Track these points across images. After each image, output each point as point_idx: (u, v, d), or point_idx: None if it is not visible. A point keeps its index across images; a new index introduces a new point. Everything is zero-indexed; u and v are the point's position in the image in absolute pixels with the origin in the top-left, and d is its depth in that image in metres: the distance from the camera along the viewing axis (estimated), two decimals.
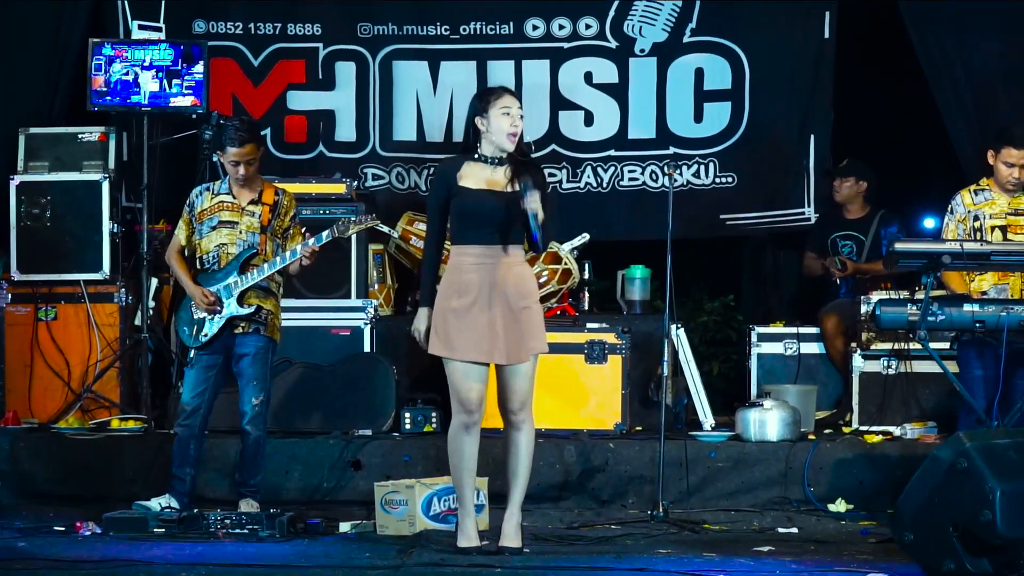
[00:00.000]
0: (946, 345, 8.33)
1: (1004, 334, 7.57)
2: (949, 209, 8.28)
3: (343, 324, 9.41)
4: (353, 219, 8.06)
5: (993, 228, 8.15)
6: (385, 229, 9.82)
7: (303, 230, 8.23)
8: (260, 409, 8.04)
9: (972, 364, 8.04)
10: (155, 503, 7.98)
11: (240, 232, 8.08)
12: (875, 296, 9.18)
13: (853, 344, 9.37)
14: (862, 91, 10.87)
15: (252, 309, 8.01)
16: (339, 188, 9.84)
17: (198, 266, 8.14)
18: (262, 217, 8.10)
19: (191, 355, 8.15)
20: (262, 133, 10.29)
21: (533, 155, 7.14)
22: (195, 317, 8.08)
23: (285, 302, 8.86)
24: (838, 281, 9.88)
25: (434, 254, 7.16)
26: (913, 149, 10.81)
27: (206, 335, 8.05)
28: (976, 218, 8.18)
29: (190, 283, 8.09)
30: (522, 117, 7.04)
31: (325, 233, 7.95)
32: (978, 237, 8.07)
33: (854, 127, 10.81)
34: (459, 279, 7.03)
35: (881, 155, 10.67)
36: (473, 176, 7.07)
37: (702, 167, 10.61)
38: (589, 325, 9.19)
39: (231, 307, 8.01)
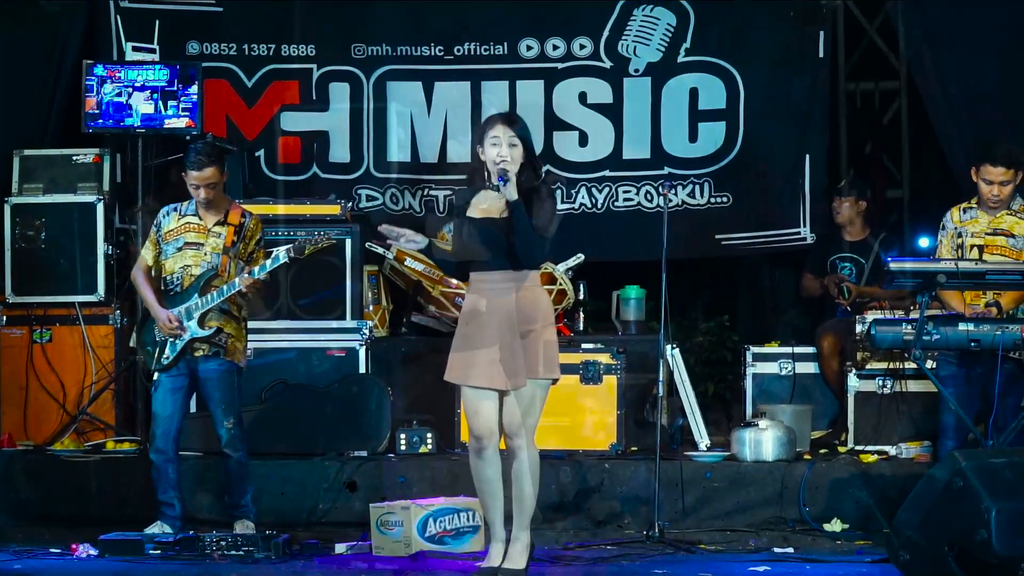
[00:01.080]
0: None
1: (1000, 352, 7.58)
2: (941, 226, 8.27)
3: (338, 345, 9.39)
4: (309, 239, 8.01)
5: (972, 247, 8.11)
6: (380, 250, 9.80)
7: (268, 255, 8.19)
8: (235, 431, 8.02)
9: (954, 380, 8.02)
10: (149, 533, 7.92)
11: (205, 254, 8.02)
12: (870, 316, 9.17)
13: (848, 364, 9.35)
14: (857, 108, 10.87)
15: (212, 331, 7.96)
16: (333, 209, 9.81)
17: (161, 287, 8.07)
18: (226, 238, 8.04)
19: (155, 378, 8.10)
20: (257, 154, 10.38)
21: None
22: (157, 339, 8.04)
23: (280, 323, 8.84)
24: (848, 307, 9.81)
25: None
26: (910, 165, 10.81)
27: (167, 357, 7.99)
28: (960, 235, 8.16)
29: (156, 305, 8.00)
30: (513, 145, 6.97)
31: (282, 253, 7.92)
32: (959, 255, 8.05)
33: (850, 142, 10.82)
34: (472, 305, 7.01)
35: (877, 173, 10.67)
36: (477, 205, 7.08)
37: (697, 187, 10.61)
38: (584, 346, 9.17)
39: (192, 328, 7.97)
